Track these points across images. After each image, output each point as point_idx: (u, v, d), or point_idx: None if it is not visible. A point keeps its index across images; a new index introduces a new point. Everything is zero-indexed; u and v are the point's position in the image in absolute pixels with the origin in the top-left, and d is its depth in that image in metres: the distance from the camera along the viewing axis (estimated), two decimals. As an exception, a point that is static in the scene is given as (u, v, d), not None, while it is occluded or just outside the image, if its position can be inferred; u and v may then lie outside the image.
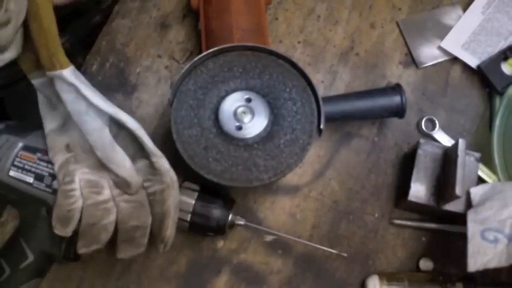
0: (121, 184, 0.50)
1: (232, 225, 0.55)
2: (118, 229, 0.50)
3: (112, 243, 0.50)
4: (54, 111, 0.53)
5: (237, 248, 0.58)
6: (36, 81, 0.52)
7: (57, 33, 0.48)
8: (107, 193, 0.50)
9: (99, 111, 0.49)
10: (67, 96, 0.49)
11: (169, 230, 0.49)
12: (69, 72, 0.48)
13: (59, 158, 0.51)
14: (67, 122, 0.52)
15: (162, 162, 0.49)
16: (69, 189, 0.50)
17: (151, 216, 0.50)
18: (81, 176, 0.51)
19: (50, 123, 0.53)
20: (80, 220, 0.50)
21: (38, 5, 0.47)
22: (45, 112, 0.53)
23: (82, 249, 0.50)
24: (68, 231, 0.49)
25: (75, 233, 0.53)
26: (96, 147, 0.50)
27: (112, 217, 0.49)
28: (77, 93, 0.49)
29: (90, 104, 0.49)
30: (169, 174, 0.49)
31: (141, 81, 0.63)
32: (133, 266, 0.58)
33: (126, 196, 0.50)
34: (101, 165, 0.51)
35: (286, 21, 0.66)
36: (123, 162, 0.50)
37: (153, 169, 0.50)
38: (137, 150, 0.51)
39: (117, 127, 0.51)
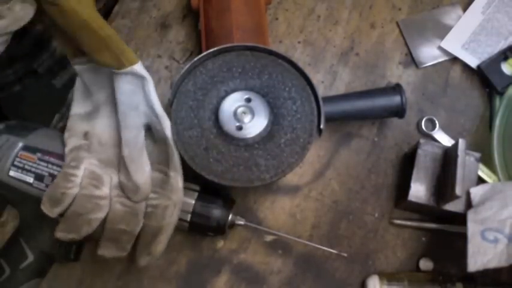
0: (128, 188, 0.50)
1: (232, 225, 0.55)
2: (105, 227, 0.49)
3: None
4: (87, 98, 0.53)
5: (237, 248, 0.58)
6: (78, 67, 0.53)
7: (115, 33, 0.49)
8: (105, 190, 0.50)
9: (148, 110, 0.49)
10: (125, 87, 0.49)
11: (161, 246, 0.49)
12: (139, 66, 0.49)
13: (72, 141, 0.52)
14: (96, 111, 0.53)
15: (178, 179, 0.49)
16: (72, 173, 0.50)
17: (142, 226, 0.50)
18: (87, 165, 0.51)
19: (77, 108, 0.53)
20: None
21: (87, 20, 0.48)
22: (78, 96, 0.54)
23: (59, 234, 0.49)
24: (54, 212, 0.49)
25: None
26: (127, 144, 0.50)
27: (100, 215, 0.49)
28: (138, 85, 0.49)
29: (145, 99, 0.49)
30: (178, 193, 0.49)
31: (141, 81, 0.63)
32: (133, 266, 0.57)
33: (124, 199, 0.50)
34: (111, 162, 0.51)
35: (286, 21, 0.66)
36: (144, 167, 0.50)
37: (163, 183, 0.49)
38: (154, 162, 0.51)
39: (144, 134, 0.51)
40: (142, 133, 0.50)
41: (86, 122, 0.53)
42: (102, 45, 0.48)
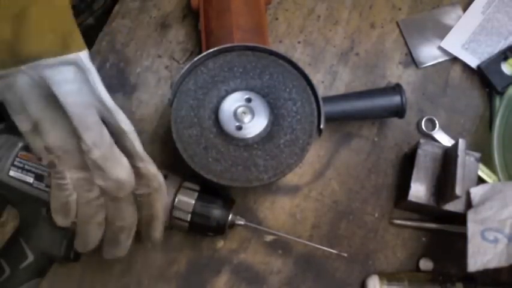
0: (110, 188, 0.46)
1: (232, 225, 0.55)
2: (105, 229, 0.49)
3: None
4: (20, 115, 0.46)
5: (237, 248, 0.58)
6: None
7: (71, 10, 0.45)
8: (96, 190, 0.47)
9: (99, 105, 0.45)
10: (68, 87, 0.44)
11: (158, 232, 0.50)
12: (87, 56, 0.45)
13: (43, 157, 0.47)
14: (37, 128, 0.46)
15: (149, 168, 0.47)
16: (62, 183, 0.47)
17: (137, 215, 0.49)
18: (70, 174, 0.47)
19: (21, 125, 0.46)
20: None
21: None
22: (12, 113, 0.46)
23: (80, 249, 0.50)
24: (69, 222, 0.48)
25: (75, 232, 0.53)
26: (96, 144, 0.45)
27: (103, 214, 0.48)
28: (84, 82, 0.45)
29: (93, 94, 0.45)
30: (157, 178, 0.48)
31: (141, 81, 0.63)
32: (133, 266, 0.58)
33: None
34: (85, 165, 0.47)
35: (286, 21, 0.66)
36: (121, 159, 0.46)
37: (136, 176, 0.47)
38: None
39: None
40: (105, 128, 0.45)
41: (38, 138, 0.46)
42: (49, 19, 0.43)
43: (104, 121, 0.46)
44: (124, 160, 0.46)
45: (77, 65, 0.44)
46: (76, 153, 0.46)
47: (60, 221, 0.48)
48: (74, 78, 0.44)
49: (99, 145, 0.45)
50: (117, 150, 0.46)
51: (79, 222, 0.49)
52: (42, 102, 0.45)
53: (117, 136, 0.46)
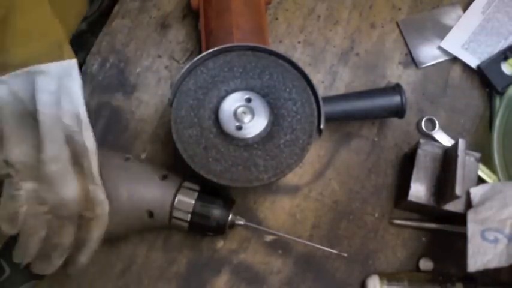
0: (56, 205, 0.46)
1: (232, 225, 0.55)
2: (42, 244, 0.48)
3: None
4: None
5: (237, 248, 0.58)
6: None
7: (57, 19, 0.46)
8: (48, 204, 0.47)
9: (70, 119, 0.45)
10: (47, 98, 0.45)
11: (85, 258, 0.49)
12: (76, 64, 0.45)
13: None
14: (1, 140, 0.46)
15: (98, 193, 0.47)
16: (16, 194, 0.46)
17: (74, 236, 0.48)
18: (25, 185, 0.47)
19: None
20: None
21: None
22: None
23: (16, 260, 0.48)
24: (14, 231, 0.47)
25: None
26: (53, 160, 0.45)
27: (44, 232, 0.47)
28: (64, 93, 0.45)
29: (70, 106, 0.45)
30: (102, 205, 0.47)
31: (141, 81, 0.63)
32: (134, 266, 0.58)
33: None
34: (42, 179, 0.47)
35: (286, 21, 0.66)
36: (72, 180, 0.46)
37: (86, 197, 0.47)
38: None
39: None
40: (66, 146, 0.46)
41: None
42: (42, 26, 0.44)
43: (69, 138, 0.46)
44: (74, 182, 0.46)
45: (64, 74, 0.45)
46: (35, 166, 0.46)
47: (8, 229, 0.47)
48: (56, 89, 0.45)
49: (56, 161, 0.45)
50: (71, 170, 0.46)
51: (23, 233, 0.47)
52: (16, 117, 0.45)
53: (78, 154, 0.46)
